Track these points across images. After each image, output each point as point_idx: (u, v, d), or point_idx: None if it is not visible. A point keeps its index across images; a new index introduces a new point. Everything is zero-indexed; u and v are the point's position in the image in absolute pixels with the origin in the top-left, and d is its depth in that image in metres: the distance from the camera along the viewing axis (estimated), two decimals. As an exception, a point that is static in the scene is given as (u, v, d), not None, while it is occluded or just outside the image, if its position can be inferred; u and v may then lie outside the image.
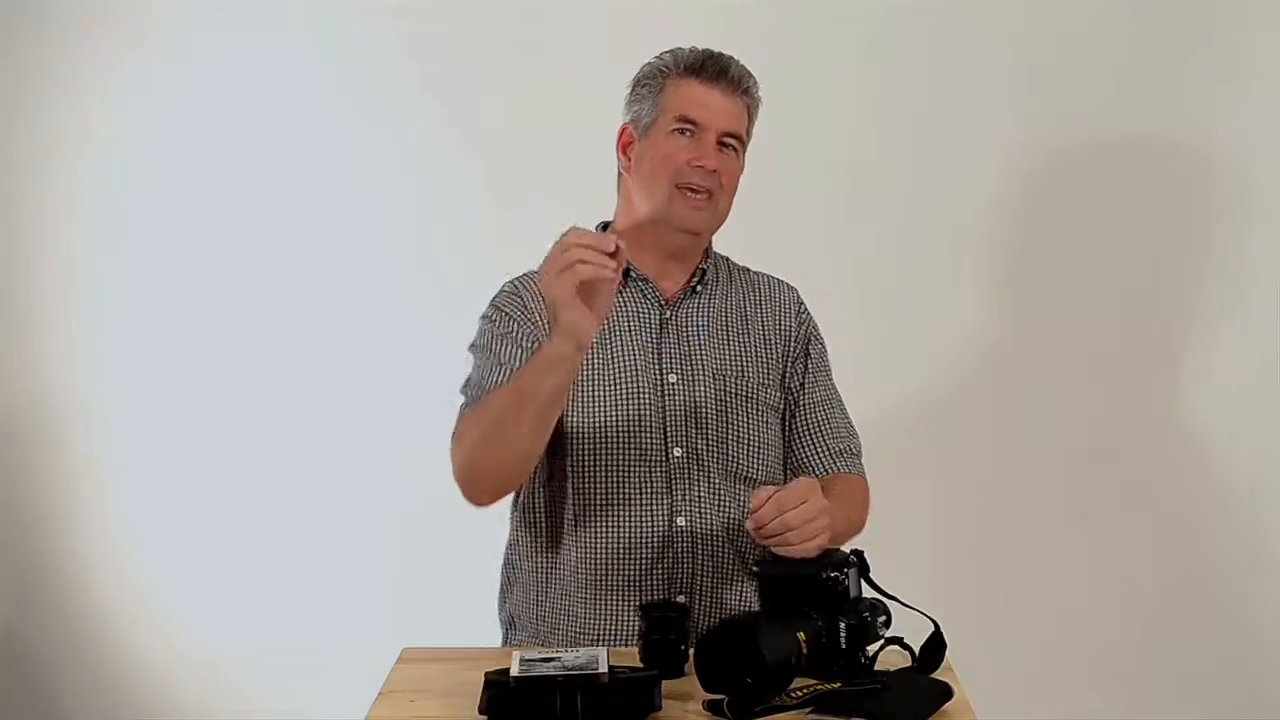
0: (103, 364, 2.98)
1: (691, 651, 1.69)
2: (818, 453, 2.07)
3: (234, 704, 2.99)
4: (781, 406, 2.07)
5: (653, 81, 2.02)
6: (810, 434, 2.08)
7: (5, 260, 2.98)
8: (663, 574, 1.96)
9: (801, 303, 2.15)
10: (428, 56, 2.89)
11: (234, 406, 2.97)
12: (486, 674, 1.61)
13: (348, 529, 2.96)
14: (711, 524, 1.98)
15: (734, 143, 2.01)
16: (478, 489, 1.89)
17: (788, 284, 2.16)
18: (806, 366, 2.10)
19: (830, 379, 2.13)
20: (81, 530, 3.02)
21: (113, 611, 3.02)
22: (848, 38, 2.84)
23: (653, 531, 1.96)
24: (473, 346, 2.03)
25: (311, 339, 2.95)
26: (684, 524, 1.97)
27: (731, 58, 2.01)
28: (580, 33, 2.78)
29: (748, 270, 2.16)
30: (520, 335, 1.98)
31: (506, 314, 2.02)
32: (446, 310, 2.77)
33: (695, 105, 1.98)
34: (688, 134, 1.98)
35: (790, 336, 2.10)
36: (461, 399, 1.99)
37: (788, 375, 2.09)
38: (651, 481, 1.97)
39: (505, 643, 2.09)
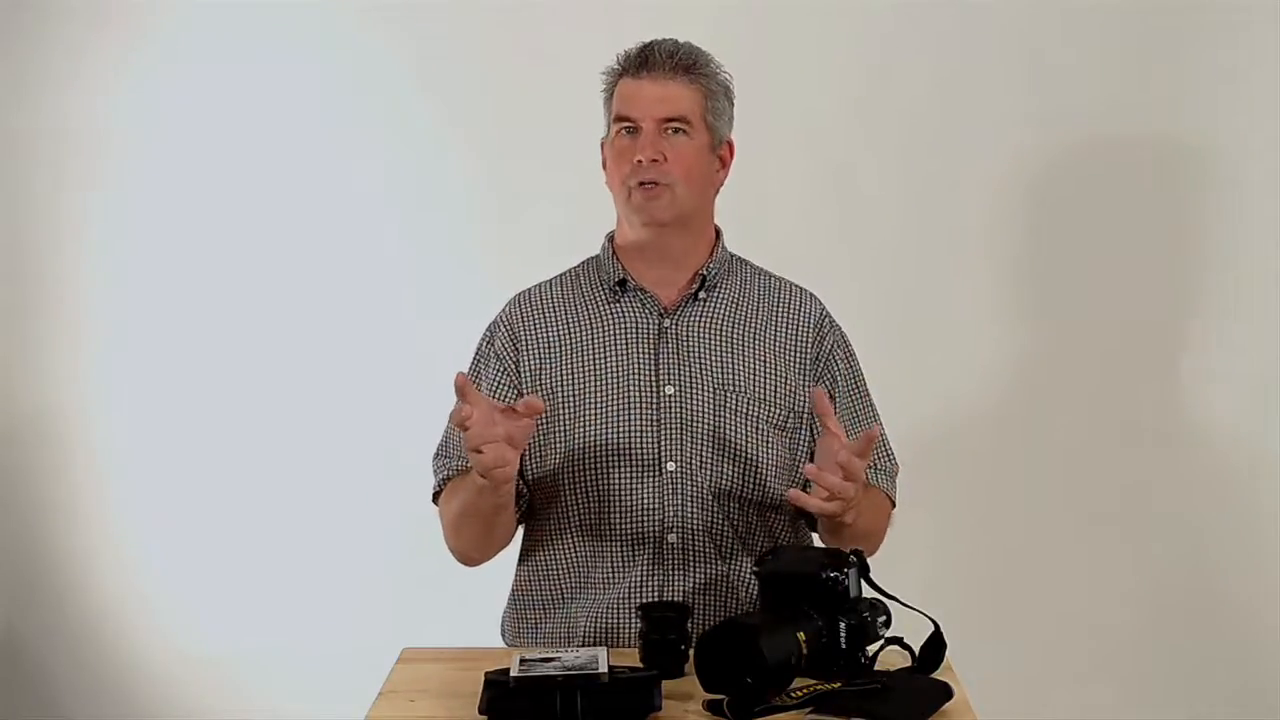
0: (104, 364, 2.99)
1: (691, 651, 1.69)
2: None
3: (234, 704, 2.99)
4: (789, 423, 1.98)
5: (605, 92, 2.03)
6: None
7: (6, 261, 2.98)
8: (654, 590, 1.94)
9: (824, 316, 2.06)
10: (428, 56, 2.89)
11: (234, 407, 2.98)
12: (486, 674, 1.61)
13: (348, 529, 2.96)
14: (704, 541, 1.95)
15: (679, 125, 1.96)
16: (464, 560, 2.02)
17: (810, 293, 2.08)
18: (833, 388, 2.01)
19: (861, 396, 2.06)
20: (82, 531, 3.02)
21: (113, 611, 3.02)
22: (845, 38, 2.84)
23: (645, 546, 1.94)
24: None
25: (311, 339, 2.95)
26: (675, 540, 1.94)
27: (664, 41, 1.98)
28: (579, 32, 2.78)
29: (768, 275, 2.09)
30: (487, 394, 2.00)
31: (482, 358, 2.06)
32: (446, 310, 2.79)
33: (628, 102, 1.97)
34: (630, 133, 1.97)
35: (808, 354, 2.01)
36: (433, 465, 2.05)
37: (807, 398, 1.99)
38: (644, 495, 1.94)
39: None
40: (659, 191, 1.95)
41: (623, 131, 1.97)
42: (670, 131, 1.96)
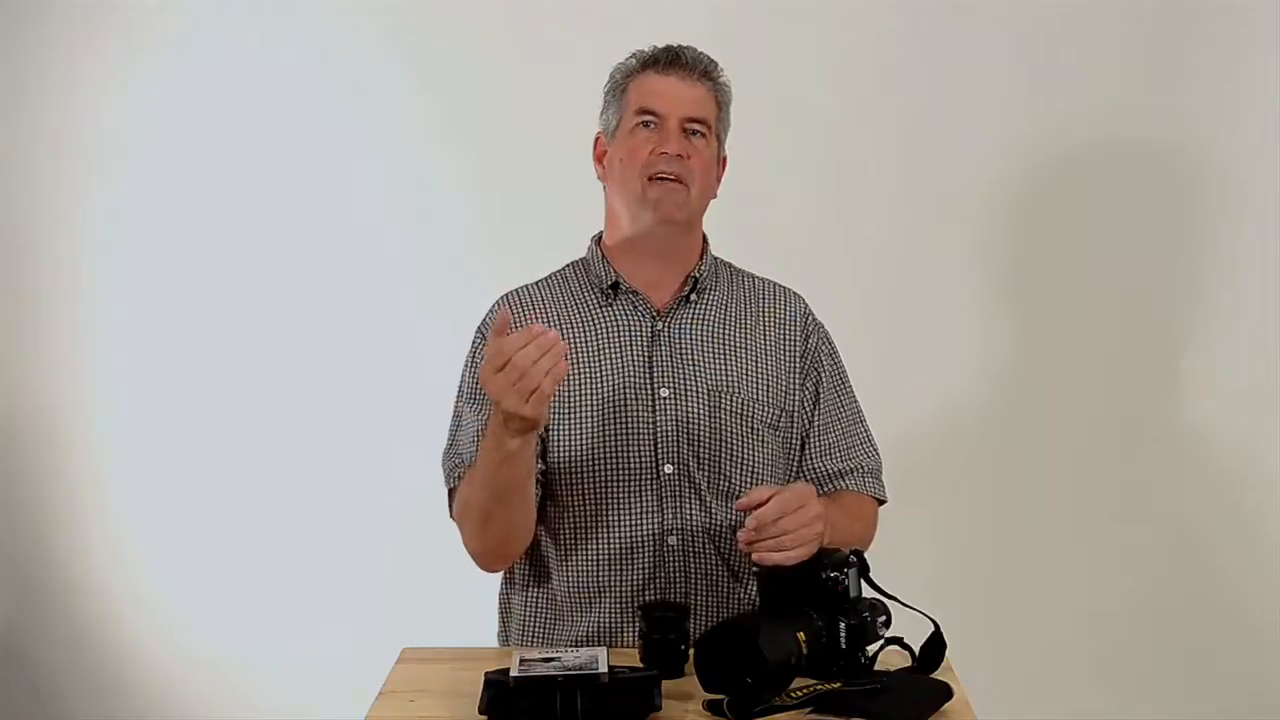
0: (104, 364, 2.98)
1: (691, 651, 1.69)
2: (826, 471, 2.02)
3: (234, 704, 2.99)
4: (782, 423, 2.00)
5: (616, 86, 2.02)
6: (821, 453, 2.02)
7: (7, 260, 2.98)
8: (656, 593, 1.94)
9: (809, 314, 2.08)
10: (428, 56, 2.89)
11: (234, 407, 2.97)
12: (486, 674, 1.61)
13: (348, 529, 2.96)
14: (704, 543, 1.95)
15: (700, 128, 1.97)
16: (491, 564, 1.98)
17: (794, 292, 2.09)
18: (819, 386, 2.04)
19: (844, 393, 2.07)
20: (82, 530, 3.02)
21: (113, 612, 3.02)
22: (845, 38, 2.84)
23: (645, 550, 1.94)
24: (456, 397, 2.04)
25: (311, 339, 2.95)
26: (675, 543, 1.94)
27: (689, 47, 2.00)
28: (579, 33, 2.78)
29: (751, 276, 2.10)
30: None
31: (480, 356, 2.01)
32: (446, 311, 2.77)
33: (652, 96, 1.97)
34: (651, 126, 1.97)
35: (796, 352, 2.03)
36: (444, 467, 2.00)
37: (796, 396, 2.02)
38: (642, 499, 1.94)
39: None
40: (679, 188, 1.95)
41: (641, 125, 1.97)
42: (691, 132, 1.97)
